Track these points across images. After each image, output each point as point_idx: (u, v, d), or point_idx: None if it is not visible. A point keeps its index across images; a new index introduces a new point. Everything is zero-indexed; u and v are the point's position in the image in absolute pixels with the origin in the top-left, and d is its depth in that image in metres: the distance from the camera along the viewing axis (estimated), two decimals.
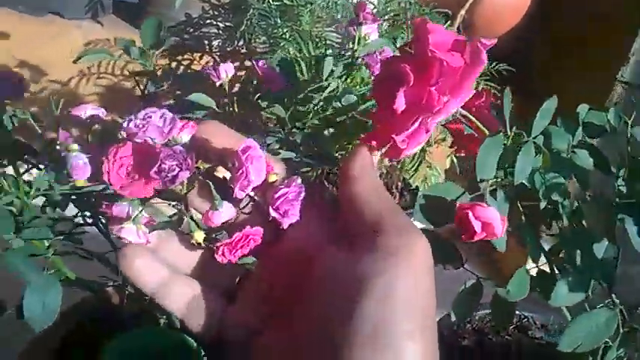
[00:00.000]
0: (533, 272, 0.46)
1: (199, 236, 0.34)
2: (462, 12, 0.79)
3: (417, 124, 0.31)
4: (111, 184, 0.32)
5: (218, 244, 0.33)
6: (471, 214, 0.37)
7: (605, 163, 0.45)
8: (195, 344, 0.57)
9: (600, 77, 1.01)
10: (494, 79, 0.89)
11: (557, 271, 0.43)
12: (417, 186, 0.96)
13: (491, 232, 0.37)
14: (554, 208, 0.40)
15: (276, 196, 0.33)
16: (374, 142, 0.34)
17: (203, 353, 0.55)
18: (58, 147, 0.38)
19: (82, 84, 1.04)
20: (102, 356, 0.54)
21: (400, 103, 0.30)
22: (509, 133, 0.40)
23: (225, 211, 0.34)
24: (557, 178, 0.40)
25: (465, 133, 0.58)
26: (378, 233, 0.30)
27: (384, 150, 0.33)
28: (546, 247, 0.44)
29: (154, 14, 0.99)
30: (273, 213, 0.33)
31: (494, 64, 0.89)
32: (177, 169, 0.31)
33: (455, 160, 1.01)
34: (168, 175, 0.31)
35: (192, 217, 0.35)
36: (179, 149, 0.32)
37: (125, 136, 0.32)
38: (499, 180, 0.40)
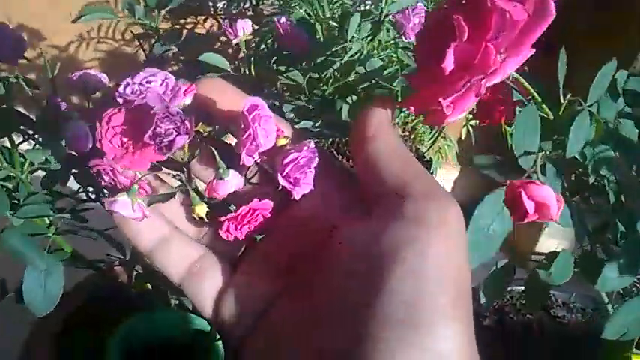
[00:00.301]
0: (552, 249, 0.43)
1: (201, 210, 0.30)
2: None
3: (467, 86, 0.27)
4: (104, 154, 0.28)
5: (222, 218, 0.30)
6: (523, 193, 0.33)
7: None
8: (208, 326, 0.55)
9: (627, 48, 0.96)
10: None
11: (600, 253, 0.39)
12: (430, 158, 0.92)
13: (545, 213, 0.33)
14: (602, 184, 0.37)
15: (286, 161, 0.29)
16: (412, 108, 0.30)
17: (218, 336, 0.53)
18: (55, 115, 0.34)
19: (81, 49, 1.00)
20: (109, 340, 0.52)
21: (449, 62, 0.26)
22: (562, 100, 0.36)
23: (232, 181, 0.30)
24: (607, 151, 0.37)
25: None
26: (403, 198, 0.26)
27: (423, 117, 0.29)
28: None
29: None
30: (282, 181, 0.29)
31: None
32: (175, 133, 0.27)
33: (471, 130, 0.97)
34: (164, 140, 0.27)
35: (196, 189, 0.31)
36: (176, 110, 0.27)
37: (121, 102, 0.28)
38: (546, 153, 0.36)
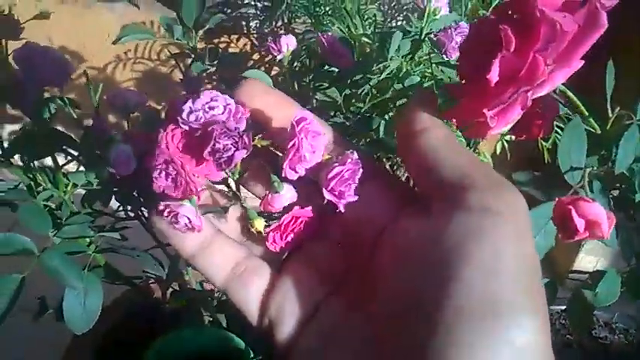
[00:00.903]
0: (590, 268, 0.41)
1: (260, 224, 0.30)
2: None
3: (513, 98, 0.26)
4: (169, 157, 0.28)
5: (266, 230, 0.29)
6: (574, 211, 0.32)
7: None
8: (243, 344, 0.55)
9: None
10: None
11: None
12: None
13: (596, 232, 0.32)
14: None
15: (330, 175, 0.28)
16: (454, 120, 0.29)
17: (252, 355, 0.53)
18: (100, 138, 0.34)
19: (118, 69, 1.02)
20: (143, 356, 0.52)
21: (495, 73, 0.25)
22: (610, 114, 0.35)
23: (287, 194, 0.29)
24: None
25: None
26: (465, 189, 0.25)
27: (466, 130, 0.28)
28: None
29: None
30: (327, 195, 0.29)
31: None
32: (233, 149, 0.27)
33: (506, 145, 0.96)
34: (224, 155, 0.27)
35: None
36: (234, 126, 0.27)
37: (186, 129, 0.28)
38: (593, 169, 0.35)
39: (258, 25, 0.98)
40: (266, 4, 0.95)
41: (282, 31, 0.99)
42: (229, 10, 0.95)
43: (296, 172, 0.28)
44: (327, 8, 0.77)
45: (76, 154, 0.38)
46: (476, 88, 0.27)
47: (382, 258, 0.27)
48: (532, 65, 0.25)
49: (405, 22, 0.82)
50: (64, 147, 0.38)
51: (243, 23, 0.97)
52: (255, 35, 1.00)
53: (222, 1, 0.93)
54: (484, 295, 0.22)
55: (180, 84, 0.57)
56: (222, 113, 0.28)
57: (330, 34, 0.48)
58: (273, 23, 0.97)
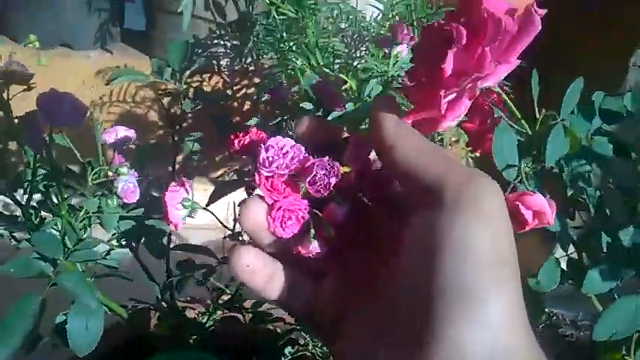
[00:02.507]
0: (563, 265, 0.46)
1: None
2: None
3: (463, 87, 0.29)
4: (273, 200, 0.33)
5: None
6: (520, 205, 0.36)
7: (625, 150, 0.44)
8: None
9: (615, 65, 1.00)
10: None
11: (586, 260, 0.42)
12: None
13: (543, 219, 0.36)
14: (578, 198, 0.40)
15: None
16: (409, 121, 0.32)
17: None
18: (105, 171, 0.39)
19: (95, 113, 1.06)
20: None
21: (449, 64, 0.29)
22: (537, 115, 0.39)
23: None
24: (582, 166, 0.40)
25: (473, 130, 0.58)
26: (441, 188, 0.28)
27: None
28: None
29: (161, 39, 1.00)
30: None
31: None
32: (327, 177, 0.32)
33: (471, 160, 1.01)
34: (322, 184, 0.32)
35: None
36: (326, 159, 0.32)
37: (269, 170, 0.33)
38: (528, 166, 0.39)
39: (228, 62, 1.02)
40: (235, 42, 1.00)
41: (251, 67, 1.03)
42: (200, 50, 0.99)
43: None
44: (292, 43, 0.82)
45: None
46: (428, 85, 0.30)
47: (398, 254, 0.31)
48: (480, 57, 0.29)
49: (367, 51, 0.87)
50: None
51: (214, 62, 1.02)
52: (226, 73, 1.04)
53: (192, 42, 0.97)
54: (455, 276, 0.26)
55: (164, 121, 0.62)
56: (294, 151, 0.33)
57: (320, 79, 0.53)
58: (243, 60, 1.02)
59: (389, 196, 0.34)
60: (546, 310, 0.77)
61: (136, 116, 1.06)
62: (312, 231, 0.33)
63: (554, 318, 0.75)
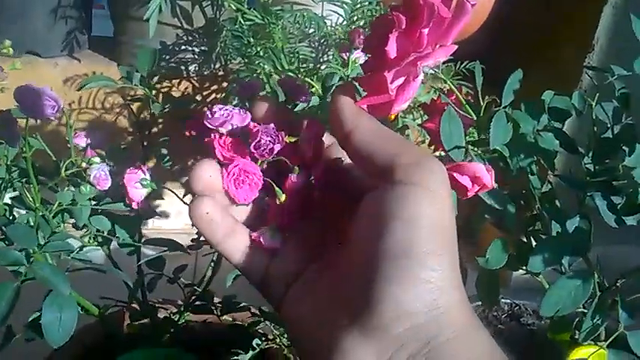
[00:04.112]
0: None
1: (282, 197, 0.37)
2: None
3: (408, 61, 0.32)
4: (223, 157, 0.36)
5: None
6: (455, 173, 0.38)
7: (571, 144, 0.47)
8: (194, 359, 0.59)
9: (571, 70, 1.04)
10: (467, 79, 0.92)
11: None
12: None
13: (482, 184, 0.38)
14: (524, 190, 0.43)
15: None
16: (363, 106, 0.35)
17: None
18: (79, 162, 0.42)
19: (64, 121, 1.05)
20: None
21: (392, 47, 0.31)
22: (481, 102, 0.42)
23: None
24: (526, 159, 0.43)
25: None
26: (395, 168, 0.31)
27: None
28: None
29: (129, 45, 1.01)
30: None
31: (465, 63, 0.92)
32: (271, 144, 0.35)
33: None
34: (266, 149, 0.35)
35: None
36: (271, 127, 0.36)
37: (214, 125, 0.37)
38: (475, 149, 0.42)
39: (197, 68, 1.04)
40: (203, 48, 1.01)
41: (220, 73, 1.05)
42: (168, 57, 1.00)
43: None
44: (259, 48, 0.83)
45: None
46: (378, 69, 0.33)
47: (350, 228, 0.34)
48: (419, 39, 0.32)
49: (333, 56, 0.89)
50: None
51: (183, 68, 1.03)
52: (195, 78, 1.06)
53: (160, 49, 0.98)
54: (403, 241, 0.30)
55: (133, 127, 0.64)
56: (240, 114, 0.37)
57: (284, 76, 0.55)
58: (212, 66, 1.03)
59: (342, 182, 0.37)
60: (509, 300, 0.80)
61: (105, 123, 1.06)
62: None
63: (517, 308, 0.79)
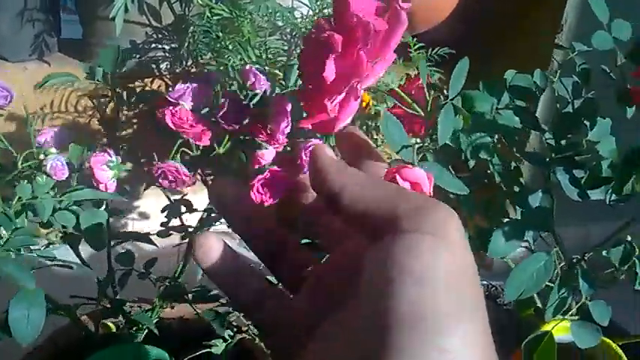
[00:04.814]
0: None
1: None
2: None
3: (346, 89, 0.30)
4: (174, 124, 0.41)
5: (252, 181, 0.40)
6: (398, 176, 0.38)
7: (531, 121, 0.48)
8: (165, 354, 0.58)
9: (545, 52, 1.05)
10: (439, 64, 0.92)
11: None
12: None
13: (420, 190, 0.39)
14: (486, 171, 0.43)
15: None
16: (309, 125, 0.33)
17: None
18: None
19: (37, 125, 1.05)
20: None
21: (330, 71, 0.30)
22: (428, 98, 0.42)
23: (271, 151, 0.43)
24: (483, 138, 0.43)
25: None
26: (399, 219, 0.27)
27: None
28: None
29: (98, 46, 1.00)
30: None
31: (436, 49, 0.92)
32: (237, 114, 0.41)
33: None
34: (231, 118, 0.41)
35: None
36: (239, 97, 0.41)
37: (173, 97, 0.43)
38: (426, 145, 0.42)
39: (168, 66, 1.03)
40: (173, 45, 1.00)
41: (193, 69, 1.04)
42: (138, 56, 1.00)
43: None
44: (228, 42, 0.83)
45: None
46: (316, 91, 0.32)
47: (353, 281, 0.30)
48: (357, 61, 0.31)
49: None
50: None
51: (154, 66, 1.02)
52: (168, 76, 1.05)
53: (130, 47, 0.97)
54: (416, 303, 0.25)
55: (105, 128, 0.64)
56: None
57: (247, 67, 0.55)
58: (183, 62, 1.02)
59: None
60: (486, 282, 0.81)
61: (78, 125, 1.05)
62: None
63: (494, 289, 0.80)
